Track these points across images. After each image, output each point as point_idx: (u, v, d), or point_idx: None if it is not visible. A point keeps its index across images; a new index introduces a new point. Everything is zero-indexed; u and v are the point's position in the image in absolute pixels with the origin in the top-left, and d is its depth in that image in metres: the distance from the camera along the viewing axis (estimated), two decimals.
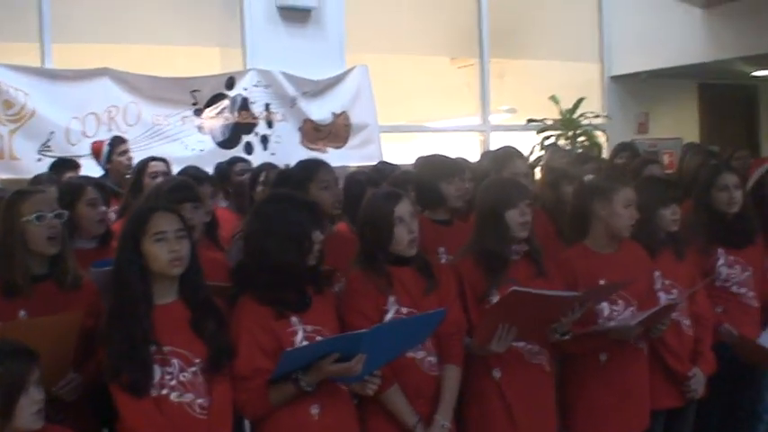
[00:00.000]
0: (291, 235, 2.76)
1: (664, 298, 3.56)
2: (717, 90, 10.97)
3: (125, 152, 5.64)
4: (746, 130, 11.43)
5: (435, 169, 3.83)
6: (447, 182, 3.76)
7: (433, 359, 3.06)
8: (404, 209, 3.03)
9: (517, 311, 3.01)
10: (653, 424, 3.57)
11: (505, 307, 3.00)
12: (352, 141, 7.68)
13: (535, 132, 8.55)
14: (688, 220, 4.03)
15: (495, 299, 3.15)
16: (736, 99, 11.44)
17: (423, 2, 9.01)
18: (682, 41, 8.99)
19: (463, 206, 3.93)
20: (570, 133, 8.59)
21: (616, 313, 3.42)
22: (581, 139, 8.62)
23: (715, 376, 3.72)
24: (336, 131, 7.61)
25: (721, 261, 3.95)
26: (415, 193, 3.82)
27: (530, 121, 8.70)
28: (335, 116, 7.60)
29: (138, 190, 4.61)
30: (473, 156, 5.31)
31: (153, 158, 4.93)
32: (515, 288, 2.95)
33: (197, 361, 2.65)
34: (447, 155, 4.02)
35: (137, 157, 5.50)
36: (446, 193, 3.76)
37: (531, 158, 7.77)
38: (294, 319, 2.77)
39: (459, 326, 3.12)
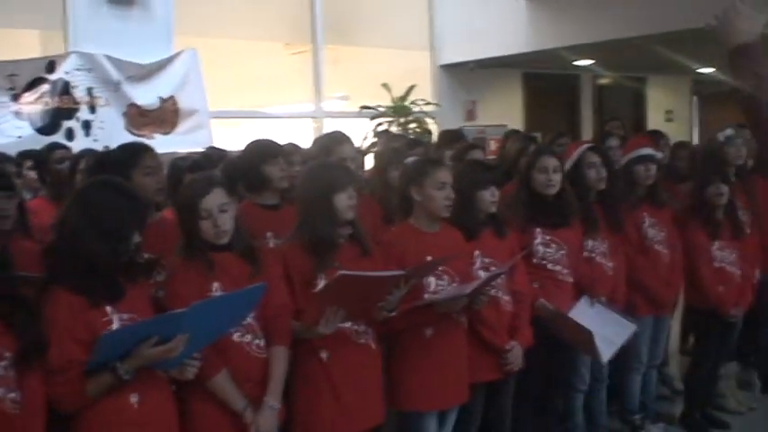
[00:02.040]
0: (109, 230, 2.67)
1: (483, 276, 3.68)
2: (540, 79, 11.46)
3: None
4: (568, 116, 12.01)
5: (257, 152, 3.81)
6: (270, 164, 3.75)
7: (260, 342, 3.05)
8: (211, 201, 2.97)
9: (345, 294, 3.04)
10: (474, 396, 3.73)
11: (333, 291, 3.03)
12: (181, 127, 7.53)
13: (368, 119, 8.66)
14: (509, 200, 4.21)
15: (322, 282, 3.18)
16: (558, 87, 11.99)
17: None
18: (507, 32, 9.31)
19: (293, 189, 3.93)
20: (402, 120, 8.76)
21: (441, 288, 3.53)
22: (412, 125, 8.80)
23: (534, 349, 3.90)
24: (164, 117, 7.43)
25: (538, 240, 4.13)
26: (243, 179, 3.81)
27: (363, 107, 8.79)
28: (163, 101, 7.43)
29: None
30: (307, 142, 5.31)
31: None
32: (342, 272, 2.98)
33: (7, 355, 2.51)
34: (270, 138, 4.01)
35: None
36: (269, 174, 3.75)
37: (365, 145, 7.90)
38: (109, 308, 2.67)
39: (284, 308, 3.13)
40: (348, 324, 3.23)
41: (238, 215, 3.12)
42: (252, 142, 3.95)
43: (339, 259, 3.24)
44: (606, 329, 4.11)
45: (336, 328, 3.12)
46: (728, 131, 5.25)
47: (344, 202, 3.27)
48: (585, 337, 3.96)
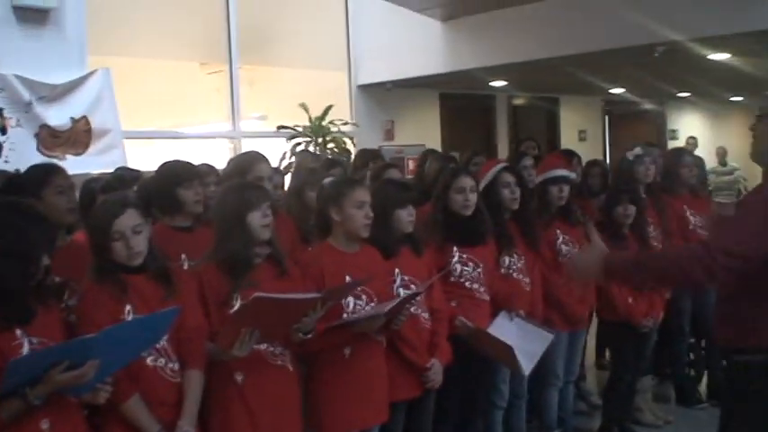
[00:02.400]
0: (17, 254, 2.60)
1: (403, 293, 3.70)
2: (457, 99, 11.61)
3: None
4: (485, 135, 12.20)
5: (171, 175, 3.78)
6: (184, 187, 3.72)
7: (174, 365, 3.01)
8: (124, 223, 2.93)
9: (260, 316, 3.01)
10: (395, 415, 3.72)
11: (248, 312, 3.00)
12: (94, 147, 7.34)
13: (286, 139, 8.63)
14: (426, 219, 4.25)
15: (237, 303, 3.15)
16: (475, 107, 12.17)
17: (170, 6, 8.82)
18: (423, 53, 9.40)
19: (208, 210, 3.89)
20: (320, 140, 8.75)
21: (359, 308, 3.53)
22: (330, 145, 8.80)
23: (453, 366, 3.92)
24: (76, 137, 7.24)
25: (456, 258, 4.17)
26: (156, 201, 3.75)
27: (280, 127, 8.76)
28: (75, 121, 7.24)
29: None
30: (224, 163, 5.26)
31: None
32: (258, 294, 2.96)
33: None
34: (185, 160, 3.96)
35: None
36: (184, 198, 3.72)
37: (283, 165, 7.86)
38: (19, 331, 2.60)
39: (199, 330, 3.09)
40: (264, 346, 3.20)
41: (152, 237, 3.07)
42: (165, 164, 3.90)
43: (256, 279, 3.21)
44: (525, 342, 4.18)
45: (252, 350, 3.09)
46: (637, 150, 5.42)
47: (258, 220, 3.24)
48: (506, 352, 4.01)
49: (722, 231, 2.73)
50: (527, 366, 4.17)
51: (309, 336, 3.23)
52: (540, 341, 4.30)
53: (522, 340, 4.15)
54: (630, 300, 4.89)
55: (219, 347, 3.08)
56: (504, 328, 4.18)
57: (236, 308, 3.13)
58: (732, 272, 2.65)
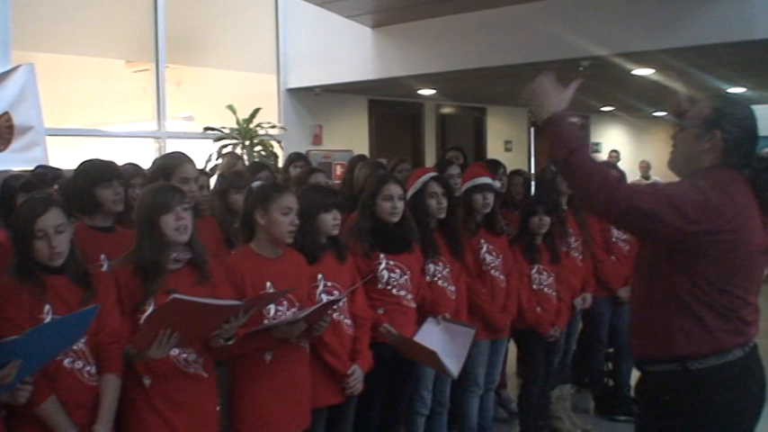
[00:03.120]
0: None
1: (326, 299, 3.70)
2: (386, 105, 11.67)
3: None
4: (413, 142, 12.28)
5: (89, 174, 3.73)
6: (102, 187, 3.68)
7: (91, 369, 2.97)
8: (47, 222, 2.91)
9: (179, 318, 2.98)
10: (315, 421, 3.72)
11: (165, 314, 2.97)
12: (16, 144, 7.15)
13: (212, 140, 8.55)
14: (353, 226, 4.26)
15: (150, 308, 3.11)
16: (403, 115, 12.24)
17: (97, 2, 8.67)
18: (353, 59, 9.42)
19: (131, 211, 3.84)
20: (247, 143, 8.68)
21: (280, 313, 3.52)
22: (258, 148, 8.74)
23: (375, 373, 3.94)
24: None
25: (383, 266, 4.18)
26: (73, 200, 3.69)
27: (207, 129, 8.67)
28: None
29: None
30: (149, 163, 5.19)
31: None
32: (176, 296, 2.93)
33: None
34: (105, 159, 3.91)
35: None
36: (102, 198, 3.68)
37: (209, 167, 7.78)
38: None
39: (117, 335, 3.05)
40: (175, 352, 3.14)
41: (73, 238, 3.03)
42: (84, 163, 3.85)
43: (173, 284, 3.15)
44: (452, 344, 4.21)
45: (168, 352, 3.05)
46: None
47: (171, 224, 3.19)
48: (432, 357, 4.04)
49: (645, 188, 2.72)
50: (455, 369, 4.18)
51: (231, 342, 3.21)
52: (464, 338, 4.32)
53: (449, 343, 4.18)
54: (539, 309, 5.01)
55: (136, 348, 3.04)
56: (432, 333, 4.21)
57: (150, 310, 3.09)
58: (626, 221, 2.71)
